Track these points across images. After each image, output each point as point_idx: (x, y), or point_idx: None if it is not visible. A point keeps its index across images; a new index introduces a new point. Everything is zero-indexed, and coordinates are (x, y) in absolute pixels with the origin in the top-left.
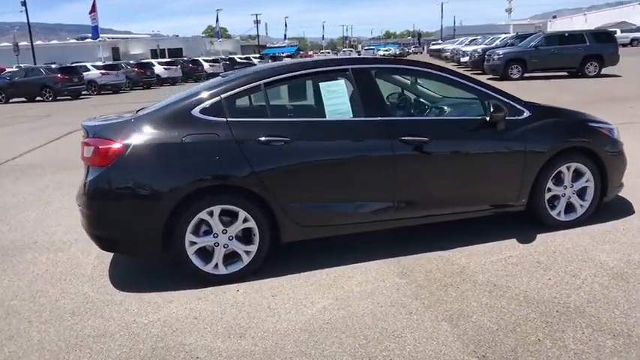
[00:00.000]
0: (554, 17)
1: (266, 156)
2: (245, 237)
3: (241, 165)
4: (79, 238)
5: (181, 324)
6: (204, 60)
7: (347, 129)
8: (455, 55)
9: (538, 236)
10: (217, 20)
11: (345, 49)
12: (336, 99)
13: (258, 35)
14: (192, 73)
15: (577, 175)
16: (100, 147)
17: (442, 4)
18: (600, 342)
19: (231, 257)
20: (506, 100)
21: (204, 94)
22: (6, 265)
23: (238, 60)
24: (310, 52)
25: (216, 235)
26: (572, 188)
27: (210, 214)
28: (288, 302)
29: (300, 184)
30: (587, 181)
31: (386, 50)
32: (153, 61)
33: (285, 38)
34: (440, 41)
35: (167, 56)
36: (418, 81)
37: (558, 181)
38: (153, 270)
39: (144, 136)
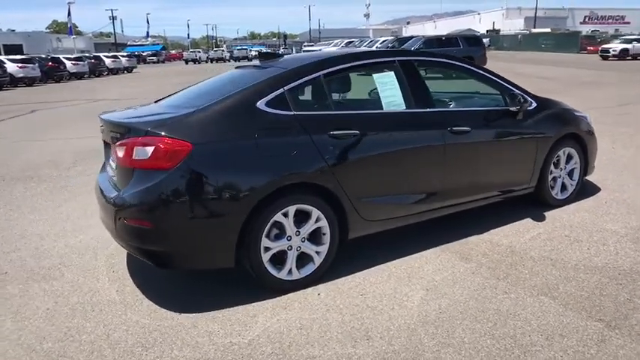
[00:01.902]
0: (408, 23)
1: (338, 151)
2: (314, 237)
3: (317, 161)
4: (65, 262)
5: (290, 337)
6: (66, 58)
7: (406, 121)
8: None
9: (544, 214)
10: (69, 14)
11: (215, 49)
12: (390, 90)
13: (114, 32)
14: (54, 72)
15: (568, 158)
16: (163, 147)
17: (309, 6)
18: None
19: (300, 260)
20: (521, 93)
21: (263, 86)
22: None
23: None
24: (173, 52)
25: (289, 238)
26: (565, 170)
27: (285, 215)
28: (383, 299)
29: (368, 178)
30: (575, 163)
31: (257, 50)
32: (3, 58)
33: (147, 36)
34: (312, 43)
35: (3, 53)
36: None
37: (556, 164)
38: (192, 285)
39: (212, 133)
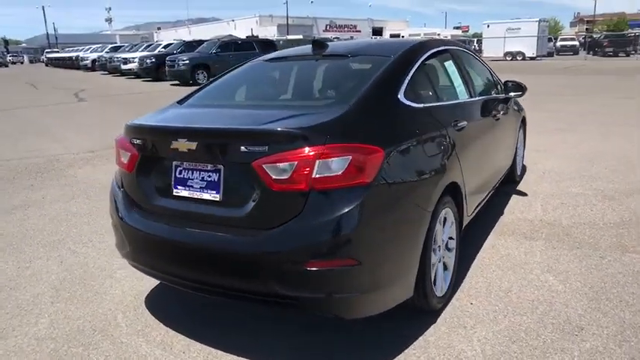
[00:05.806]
0: (159, 29)
1: (460, 144)
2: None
3: (454, 157)
4: (58, 348)
5: (514, 350)
6: None
7: (478, 109)
8: (111, 63)
9: (519, 189)
10: None
11: None
12: (457, 79)
13: None
14: None
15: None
16: (361, 156)
17: (43, 7)
18: None
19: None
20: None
21: (390, 76)
22: None
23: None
24: None
25: (439, 249)
26: (520, 149)
27: (440, 222)
28: (531, 291)
29: (473, 169)
30: (521, 143)
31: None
32: None
33: None
34: (57, 50)
35: None
36: None
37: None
38: (305, 335)
39: (387, 134)
